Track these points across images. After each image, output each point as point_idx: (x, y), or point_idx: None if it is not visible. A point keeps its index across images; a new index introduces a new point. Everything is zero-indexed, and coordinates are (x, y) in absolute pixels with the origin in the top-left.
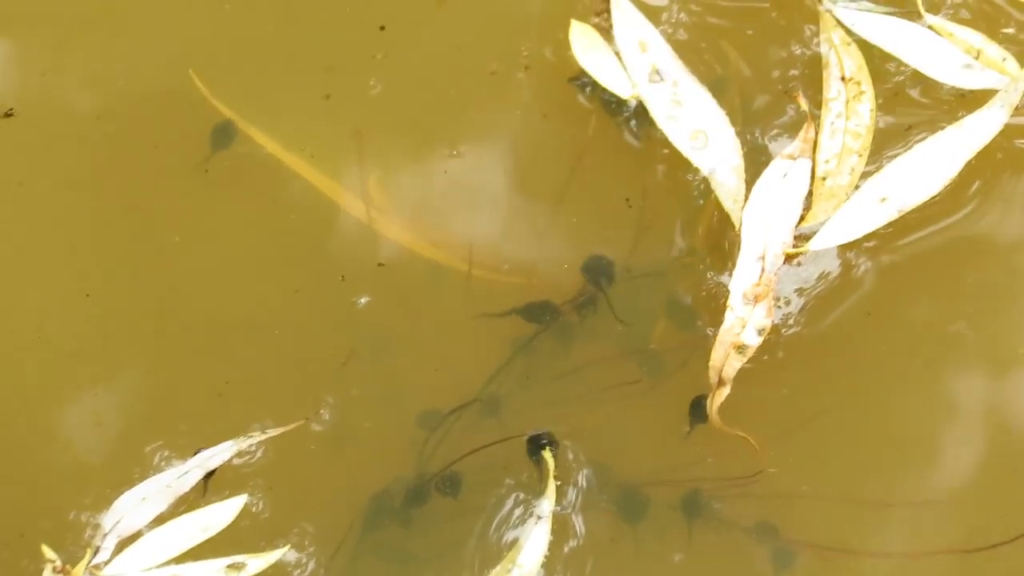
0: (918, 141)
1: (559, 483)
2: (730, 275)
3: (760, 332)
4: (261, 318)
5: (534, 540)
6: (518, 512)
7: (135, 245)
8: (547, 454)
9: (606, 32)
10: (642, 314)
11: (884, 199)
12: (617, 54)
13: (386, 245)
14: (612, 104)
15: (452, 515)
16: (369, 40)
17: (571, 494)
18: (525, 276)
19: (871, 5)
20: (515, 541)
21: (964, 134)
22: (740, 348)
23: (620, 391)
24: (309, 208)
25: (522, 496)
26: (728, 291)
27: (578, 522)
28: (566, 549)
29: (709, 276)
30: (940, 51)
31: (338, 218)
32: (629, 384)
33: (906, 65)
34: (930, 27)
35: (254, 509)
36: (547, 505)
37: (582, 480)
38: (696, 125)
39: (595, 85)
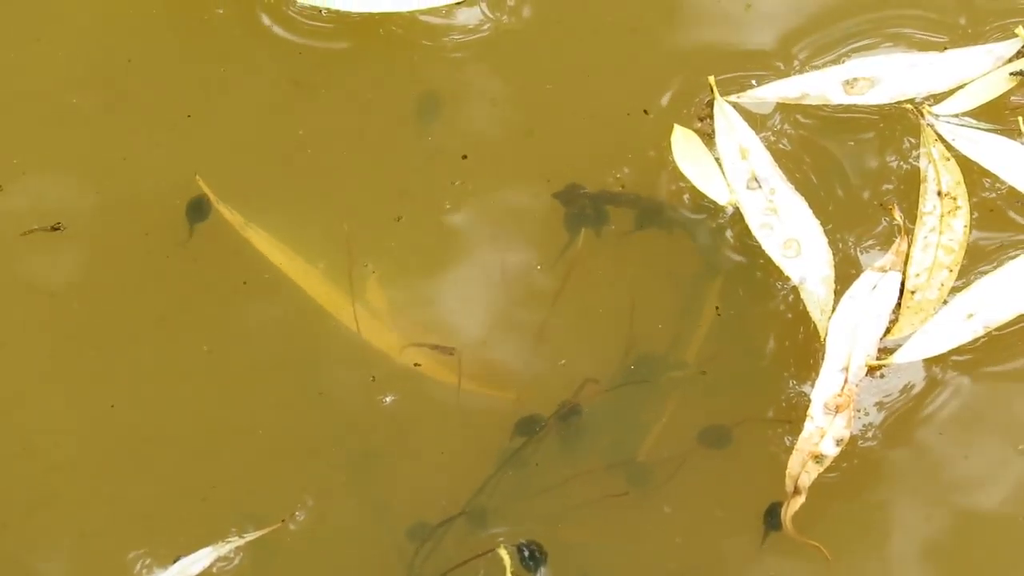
0: (1010, 259)
1: None
2: (811, 385)
3: (838, 443)
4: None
5: None
6: None
7: (163, 355)
8: (503, 551)
9: (708, 138)
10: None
11: (971, 315)
12: (717, 160)
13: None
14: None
15: None
16: (449, 167)
17: None
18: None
19: (972, 121)
20: None
21: None
22: (818, 458)
23: (609, 502)
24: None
25: None
26: (809, 400)
27: None
28: None
29: (791, 384)
30: None
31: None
32: (617, 496)
33: (1003, 182)
34: None
35: None
36: None
37: None
38: (790, 234)
39: (692, 191)
